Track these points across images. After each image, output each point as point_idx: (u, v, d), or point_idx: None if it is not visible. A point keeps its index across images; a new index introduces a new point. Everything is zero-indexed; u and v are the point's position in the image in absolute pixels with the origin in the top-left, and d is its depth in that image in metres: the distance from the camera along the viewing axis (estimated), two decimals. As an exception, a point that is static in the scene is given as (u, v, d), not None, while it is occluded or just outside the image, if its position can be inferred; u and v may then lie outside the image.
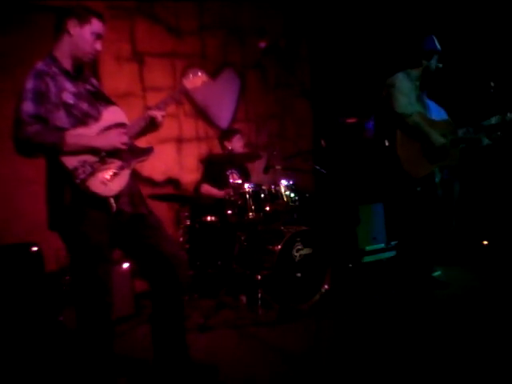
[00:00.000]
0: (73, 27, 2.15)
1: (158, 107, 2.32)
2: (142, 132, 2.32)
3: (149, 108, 2.33)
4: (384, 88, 3.12)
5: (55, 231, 2.14)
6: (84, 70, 2.29)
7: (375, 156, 3.34)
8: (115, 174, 2.13)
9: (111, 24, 4.09)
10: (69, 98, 2.11)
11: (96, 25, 2.19)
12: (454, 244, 4.29)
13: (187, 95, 4.50)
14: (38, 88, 2.03)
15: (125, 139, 2.17)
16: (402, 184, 3.11)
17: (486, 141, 3.13)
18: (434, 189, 3.15)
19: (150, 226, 2.31)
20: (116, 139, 2.14)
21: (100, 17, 2.22)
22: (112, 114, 2.25)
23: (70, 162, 2.01)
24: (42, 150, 2.04)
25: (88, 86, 2.26)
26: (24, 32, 3.76)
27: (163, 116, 2.32)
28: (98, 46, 2.22)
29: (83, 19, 2.16)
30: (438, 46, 3.17)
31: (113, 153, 2.14)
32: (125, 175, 2.19)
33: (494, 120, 3.06)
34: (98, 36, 2.20)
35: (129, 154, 2.22)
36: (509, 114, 2.99)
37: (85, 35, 2.17)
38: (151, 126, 2.31)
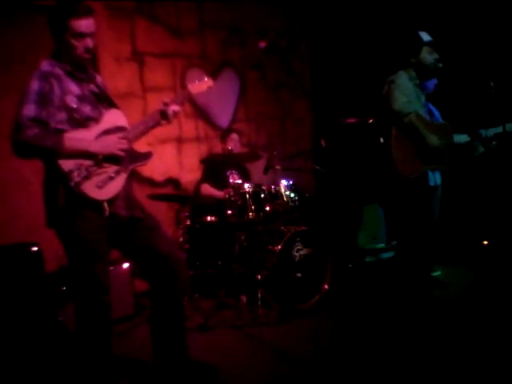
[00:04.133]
0: (55, 38, 2.13)
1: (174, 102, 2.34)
2: (154, 126, 2.33)
3: (165, 103, 2.33)
4: (385, 85, 3.11)
5: (53, 229, 2.15)
6: (88, 68, 2.27)
7: (372, 156, 3.33)
8: (111, 179, 2.12)
9: (111, 24, 4.11)
10: (72, 102, 2.10)
11: (75, 26, 2.07)
12: (453, 244, 4.29)
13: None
14: (42, 90, 2.02)
15: (123, 146, 2.17)
16: (395, 183, 3.09)
17: (481, 149, 3.12)
18: (428, 190, 3.13)
19: (147, 228, 2.31)
20: (114, 146, 2.13)
21: (80, 14, 2.08)
22: (113, 117, 2.24)
23: (66, 164, 2.01)
24: (40, 153, 2.03)
25: (92, 86, 2.25)
26: (23, 31, 3.76)
27: (175, 112, 2.34)
28: (88, 43, 2.12)
29: (60, 27, 2.09)
30: (425, 38, 3.11)
31: (110, 157, 2.13)
32: (121, 179, 2.18)
33: (493, 131, 3.06)
34: (82, 35, 2.10)
35: (127, 158, 2.22)
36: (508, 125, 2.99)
37: (68, 41, 2.10)
38: (163, 118, 2.33)
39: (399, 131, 2.99)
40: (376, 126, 3.30)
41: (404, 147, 2.99)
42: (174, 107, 2.34)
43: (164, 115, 2.33)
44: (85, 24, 2.10)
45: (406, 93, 3.01)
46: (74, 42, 2.11)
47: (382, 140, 3.08)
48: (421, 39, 3.09)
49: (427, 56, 3.11)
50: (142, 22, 4.42)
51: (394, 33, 4.51)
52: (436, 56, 3.12)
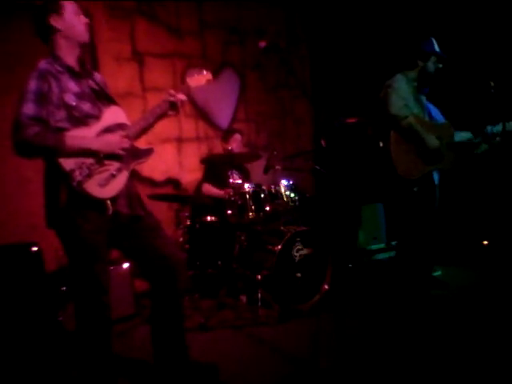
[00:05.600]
0: (55, 21, 2.14)
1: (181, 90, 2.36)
2: (160, 117, 2.34)
3: (170, 94, 2.33)
4: (382, 89, 3.11)
5: (53, 229, 2.14)
6: (86, 64, 2.27)
7: (373, 156, 3.34)
8: (113, 176, 2.12)
9: (111, 24, 4.11)
10: (71, 100, 2.09)
11: (70, 5, 2.18)
12: (453, 244, 4.29)
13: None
14: (40, 89, 2.02)
15: (124, 145, 2.17)
16: (397, 185, 3.10)
17: (483, 146, 3.13)
18: (432, 190, 3.14)
19: (148, 227, 2.31)
20: (115, 145, 2.13)
21: None
22: (113, 114, 2.24)
23: (68, 163, 2.00)
24: (41, 152, 2.03)
25: (91, 83, 2.25)
26: (24, 30, 3.75)
27: (182, 101, 2.34)
28: (84, 19, 2.21)
29: (59, 9, 2.14)
30: (437, 49, 3.15)
31: (111, 155, 2.13)
32: (123, 177, 2.17)
33: (494, 129, 3.06)
34: (77, 13, 2.20)
35: (128, 155, 2.21)
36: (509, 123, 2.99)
37: (70, 21, 2.16)
38: (172, 108, 2.34)
39: (399, 134, 2.99)
40: (374, 129, 3.31)
41: (405, 150, 3.00)
42: (181, 96, 2.35)
43: (173, 105, 2.34)
44: (74, 5, 2.20)
45: (403, 96, 3.02)
46: (73, 19, 2.17)
47: (381, 144, 3.09)
48: (434, 48, 3.12)
49: (432, 65, 3.12)
50: (142, 22, 4.43)
51: (394, 33, 4.52)
52: (438, 67, 3.13)
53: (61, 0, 2.16)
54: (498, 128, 3.06)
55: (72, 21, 2.17)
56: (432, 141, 2.98)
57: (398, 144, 3.00)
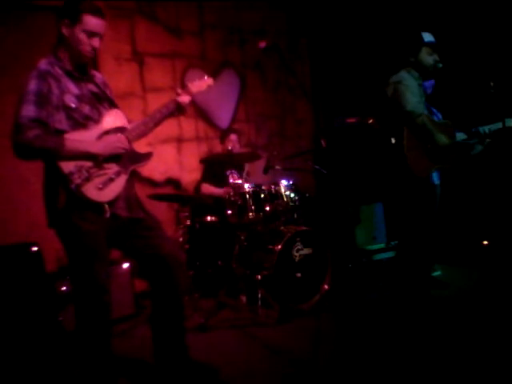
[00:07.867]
0: (65, 28, 2.11)
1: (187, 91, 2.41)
2: (166, 117, 2.37)
3: (178, 94, 2.38)
4: (389, 86, 3.10)
5: (53, 229, 2.14)
6: (88, 68, 2.26)
7: (378, 154, 3.33)
8: (111, 180, 2.12)
9: (111, 24, 4.11)
10: (71, 102, 2.08)
11: (89, 22, 2.10)
12: (453, 244, 4.29)
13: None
14: (40, 90, 2.01)
15: (124, 144, 2.17)
16: (403, 183, 3.10)
17: (479, 148, 3.14)
18: (432, 189, 3.14)
19: (148, 228, 2.31)
20: (114, 144, 2.13)
21: (96, 12, 2.12)
22: (113, 118, 2.23)
23: (67, 166, 2.00)
24: (41, 155, 2.02)
25: (91, 86, 2.24)
26: (24, 31, 3.76)
27: (189, 101, 2.39)
28: (95, 43, 2.14)
29: (74, 18, 2.09)
30: (426, 39, 3.11)
31: (110, 158, 2.13)
32: (121, 180, 2.18)
33: (488, 128, 3.07)
34: (92, 34, 2.12)
35: (127, 159, 2.21)
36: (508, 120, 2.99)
37: (77, 35, 2.10)
38: (178, 111, 2.38)
39: (410, 131, 3.00)
40: (384, 126, 3.29)
41: (415, 147, 3.01)
42: (187, 98, 2.38)
43: (180, 108, 2.37)
44: (98, 23, 2.13)
45: (414, 93, 3.02)
46: (83, 37, 2.11)
47: (393, 140, 3.09)
48: (421, 39, 3.10)
49: (426, 57, 3.11)
50: (142, 22, 4.43)
51: (395, 32, 4.52)
52: (436, 58, 3.12)
53: (86, 13, 2.09)
54: (486, 128, 3.07)
55: (79, 38, 2.11)
56: (442, 139, 2.99)
57: (410, 141, 3.00)
